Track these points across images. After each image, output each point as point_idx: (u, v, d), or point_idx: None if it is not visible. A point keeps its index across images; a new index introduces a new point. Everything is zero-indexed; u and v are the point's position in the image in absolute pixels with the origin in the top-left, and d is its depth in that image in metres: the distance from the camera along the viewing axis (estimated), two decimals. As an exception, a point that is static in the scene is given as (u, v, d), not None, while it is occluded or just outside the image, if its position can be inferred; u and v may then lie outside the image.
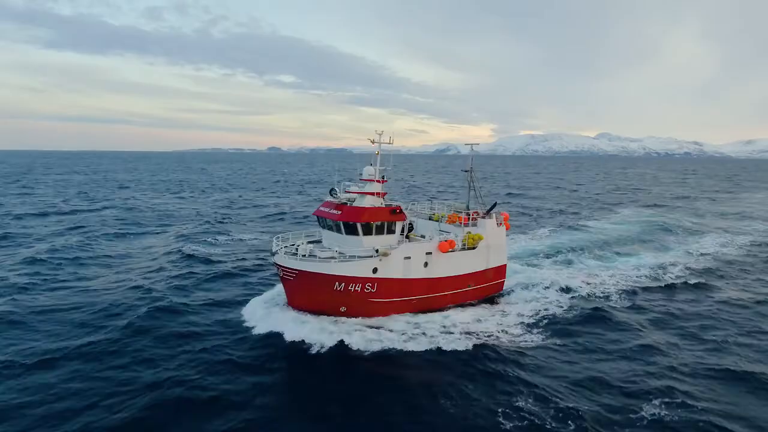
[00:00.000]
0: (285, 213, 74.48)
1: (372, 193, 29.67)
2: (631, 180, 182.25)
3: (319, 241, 30.73)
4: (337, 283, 26.66)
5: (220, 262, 41.35)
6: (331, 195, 30.08)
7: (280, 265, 27.05)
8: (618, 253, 47.11)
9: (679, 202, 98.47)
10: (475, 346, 25.35)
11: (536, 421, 18.84)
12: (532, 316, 29.96)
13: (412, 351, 24.61)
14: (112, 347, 24.27)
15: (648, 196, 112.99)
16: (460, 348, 24.98)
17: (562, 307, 31.28)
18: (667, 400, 20.34)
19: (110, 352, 23.78)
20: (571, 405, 19.82)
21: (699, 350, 25.81)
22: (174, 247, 46.67)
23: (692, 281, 37.82)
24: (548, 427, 18.43)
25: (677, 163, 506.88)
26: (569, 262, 42.96)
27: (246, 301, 30.72)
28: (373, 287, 27.58)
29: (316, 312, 27.54)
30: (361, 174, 30.44)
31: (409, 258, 28.63)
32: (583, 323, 28.99)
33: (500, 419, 18.93)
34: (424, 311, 29.72)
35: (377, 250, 27.51)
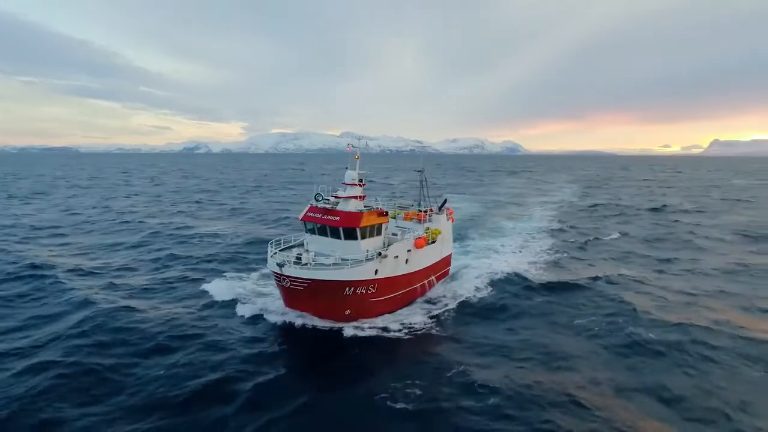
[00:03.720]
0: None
1: (355, 197, 29.97)
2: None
3: (294, 246, 30.46)
4: (347, 288, 26.50)
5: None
6: (317, 200, 29.52)
7: (289, 276, 25.93)
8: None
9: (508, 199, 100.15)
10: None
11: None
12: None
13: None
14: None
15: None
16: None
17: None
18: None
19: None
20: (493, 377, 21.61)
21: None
22: None
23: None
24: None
25: (406, 159, 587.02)
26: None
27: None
28: (374, 288, 27.80)
29: (320, 317, 27.00)
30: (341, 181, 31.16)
31: (397, 257, 29.37)
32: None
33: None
34: (407, 305, 30.91)
35: (379, 253, 27.98)
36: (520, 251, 46.71)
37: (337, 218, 28.37)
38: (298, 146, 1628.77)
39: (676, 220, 69.73)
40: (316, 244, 29.40)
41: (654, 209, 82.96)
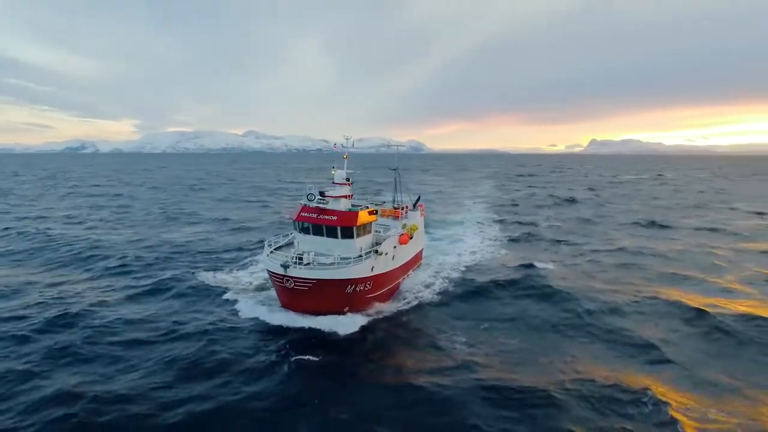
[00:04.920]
0: None
1: (345, 196, 30.50)
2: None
3: (283, 247, 30.85)
4: (349, 286, 26.85)
5: None
6: (309, 200, 29.60)
7: (294, 277, 25.92)
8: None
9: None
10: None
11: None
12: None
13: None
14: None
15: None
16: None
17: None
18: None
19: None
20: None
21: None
22: None
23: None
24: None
25: (314, 159, 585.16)
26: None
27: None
28: (370, 285, 28.31)
29: (321, 314, 26.78)
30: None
31: (387, 253, 30.03)
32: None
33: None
34: (390, 299, 31.29)
35: (376, 250, 28.73)
36: (475, 244, 49.78)
37: (335, 218, 28.71)
38: (199, 146, 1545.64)
39: (584, 217, 78.33)
40: (310, 243, 29.43)
41: (569, 200, 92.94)
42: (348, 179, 31.54)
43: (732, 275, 38.36)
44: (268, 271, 27.39)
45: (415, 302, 30.82)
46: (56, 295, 30.74)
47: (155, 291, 32.50)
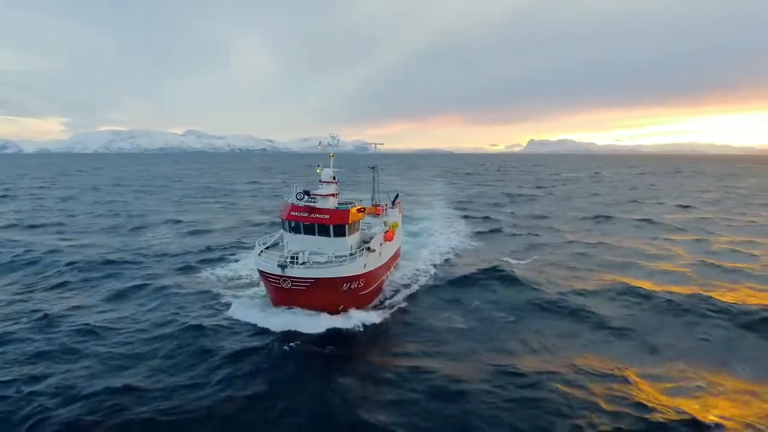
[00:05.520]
0: None
1: (332, 195, 30.72)
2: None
3: (271, 246, 30.36)
4: (345, 284, 26.97)
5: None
6: (299, 199, 29.65)
7: (291, 277, 25.83)
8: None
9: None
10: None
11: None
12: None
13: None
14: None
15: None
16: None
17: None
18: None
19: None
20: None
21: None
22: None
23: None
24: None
25: (258, 158, 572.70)
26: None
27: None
28: (363, 282, 28.49)
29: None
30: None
31: (375, 250, 30.13)
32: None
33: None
34: (377, 296, 31.71)
35: (369, 247, 28.98)
36: (447, 238, 52.28)
37: (327, 216, 28.71)
38: (136, 145, 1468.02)
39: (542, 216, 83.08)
40: (301, 242, 29.08)
41: (520, 196, 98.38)
42: (334, 177, 31.76)
43: (670, 261, 43.09)
44: (262, 272, 26.91)
45: (402, 298, 31.85)
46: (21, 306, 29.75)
47: (128, 294, 32.08)
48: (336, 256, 27.41)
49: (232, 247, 46.31)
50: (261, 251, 28.65)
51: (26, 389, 19.57)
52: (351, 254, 28.00)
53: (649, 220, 66.00)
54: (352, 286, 27.69)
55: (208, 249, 45.38)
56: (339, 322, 26.37)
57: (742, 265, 40.99)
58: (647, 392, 20.05)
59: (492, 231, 57.25)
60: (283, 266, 25.90)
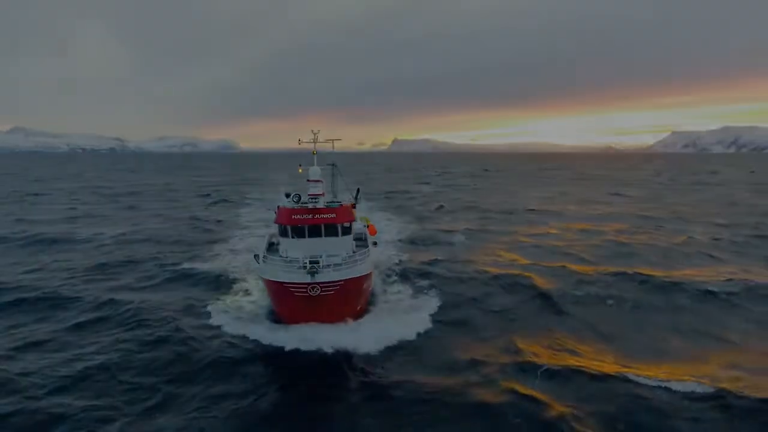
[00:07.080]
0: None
1: (321, 194, 29.64)
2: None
3: (268, 255, 28.17)
4: (365, 283, 25.71)
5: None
6: (295, 201, 28.42)
7: (321, 283, 22.65)
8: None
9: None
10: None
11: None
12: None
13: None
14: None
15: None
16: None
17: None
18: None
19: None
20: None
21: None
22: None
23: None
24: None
25: (107, 160, 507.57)
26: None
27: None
28: (371, 280, 27.84)
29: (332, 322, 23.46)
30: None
31: (378, 246, 30.49)
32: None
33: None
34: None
35: (375, 242, 29.27)
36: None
37: (333, 215, 27.53)
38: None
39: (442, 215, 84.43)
40: (306, 246, 26.83)
41: (417, 192, 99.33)
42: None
43: (577, 247, 45.12)
44: (281, 283, 23.38)
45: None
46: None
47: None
48: (349, 256, 26.37)
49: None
50: (263, 262, 26.18)
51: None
52: (362, 252, 27.40)
53: (539, 210, 70.31)
54: (365, 286, 26.12)
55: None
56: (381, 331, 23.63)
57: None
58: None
59: (423, 229, 55.96)
60: (313, 272, 22.56)
